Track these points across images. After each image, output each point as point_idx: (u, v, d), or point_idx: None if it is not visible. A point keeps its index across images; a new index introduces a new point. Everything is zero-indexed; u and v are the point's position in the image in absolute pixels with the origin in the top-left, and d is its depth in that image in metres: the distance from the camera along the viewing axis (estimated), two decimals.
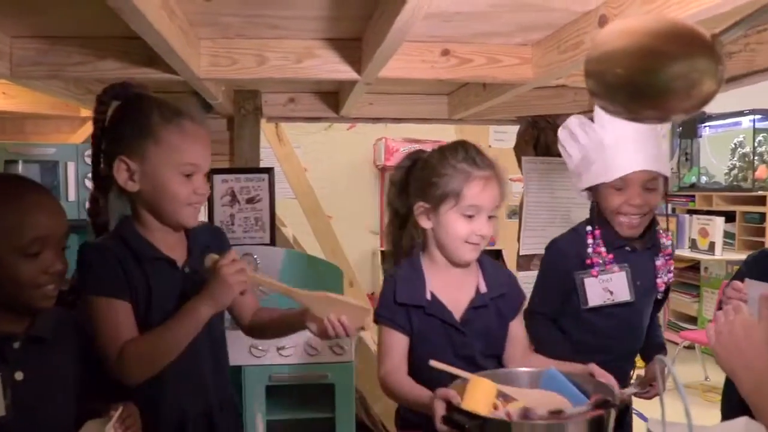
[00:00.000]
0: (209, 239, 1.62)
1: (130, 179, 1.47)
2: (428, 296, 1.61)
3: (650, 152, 1.85)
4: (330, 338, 1.54)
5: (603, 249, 1.90)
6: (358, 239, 5.96)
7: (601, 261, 1.90)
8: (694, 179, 6.04)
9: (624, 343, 1.97)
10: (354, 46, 1.87)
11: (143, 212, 1.51)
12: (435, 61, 1.90)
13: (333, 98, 2.94)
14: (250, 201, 2.92)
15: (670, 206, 6.15)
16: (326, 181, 5.65)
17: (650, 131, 1.86)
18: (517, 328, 1.70)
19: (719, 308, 1.81)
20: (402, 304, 1.59)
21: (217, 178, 2.88)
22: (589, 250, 1.90)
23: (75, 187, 2.31)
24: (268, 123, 3.37)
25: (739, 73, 1.90)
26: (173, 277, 1.53)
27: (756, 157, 5.47)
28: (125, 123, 1.49)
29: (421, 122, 3.18)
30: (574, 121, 1.95)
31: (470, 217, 1.57)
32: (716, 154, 5.91)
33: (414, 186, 1.66)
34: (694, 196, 5.97)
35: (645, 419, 1.45)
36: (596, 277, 1.89)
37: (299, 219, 4.00)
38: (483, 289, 1.65)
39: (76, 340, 1.42)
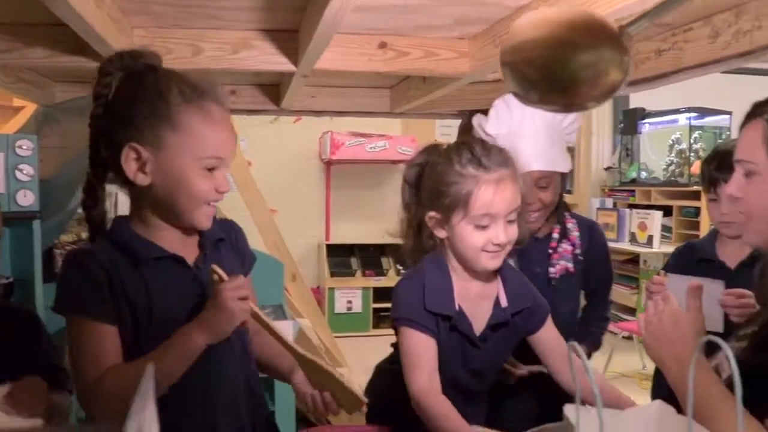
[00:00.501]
0: (222, 231, 1.41)
1: (141, 171, 1.22)
2: (456, 307, 1.49)
3: (544, 149, 1.83)
4: (308, 409, 1.41)
5: None
6: (304, 233, 5.94)
7: None
8: (634, 174, 6.18)
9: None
10: (291, 37, 1.86)
11: (147, 209, 1.28)
12: (372, 54, 1.90)
13: (274, 91, 2.91)
14: None
15: (611, 201, 6.31)
16: (272, 174, 5.61)
17: (544, 129, 1.84)
18: (551, 338, 1.57)
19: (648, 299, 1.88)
20: (431, 312, 1.46)
21: None
22: None
23: (4, 179, 2.23)
24: None
25: (668, 71, 1.95)
26: (183, 277, 1.30)
27: (692, 154, 5.63)
28: (136, 102, 1.23)
29: (364, 116, 3.19)
30: (475, 121, 1.94)
31: (484, 227, 1.43)
32: (655, 151, 6.06)
33: (423, 194, 1.53)
34: (634, 191, 6.12)
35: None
36: None
37: (242, 212, 3.96)
38: (504, 303, 1.53)
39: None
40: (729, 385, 1.07)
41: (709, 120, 5.69)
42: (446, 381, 1.43)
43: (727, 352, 0.72)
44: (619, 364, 4.58)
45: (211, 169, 1.23)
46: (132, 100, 1.23)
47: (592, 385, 0.74)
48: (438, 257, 1.52)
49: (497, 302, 1.53)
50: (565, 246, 1.95)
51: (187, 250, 1.32)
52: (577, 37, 0.88)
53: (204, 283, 1.30)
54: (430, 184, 1.49)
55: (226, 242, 1.41)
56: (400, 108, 2.88)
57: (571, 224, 1.99)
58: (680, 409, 0.98)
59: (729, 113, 5.58)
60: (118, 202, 5.51)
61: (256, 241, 3.85)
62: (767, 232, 1.14)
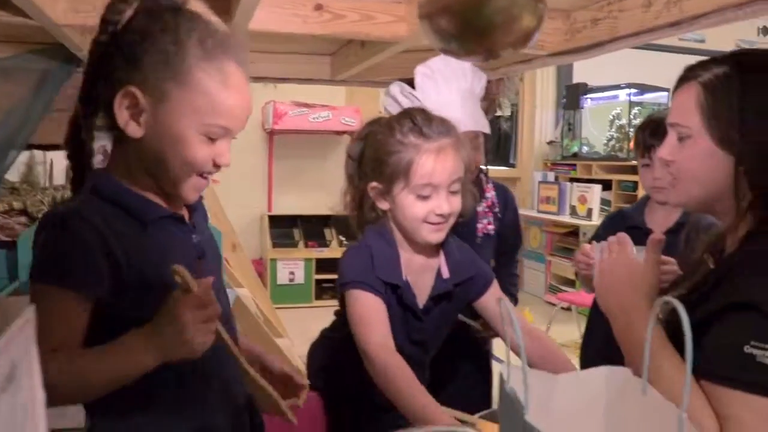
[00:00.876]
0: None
1: (134, 120, 1.05)
2: (404, 277, 1.47)
3: (470, 112, 1.83)
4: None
5: None
6: (246, 204, 5.86)
7: None
8: (576, 149, 6.28)
9: None
10: None
11: (135, 164, 1.10)
12: (307, 16, 1.86)
13: None
14: None
15: (553, 174, 6.40)
16: None
17: (467, 93, 1.86)
18: (492, 305, 1.55)
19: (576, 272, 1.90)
20: (381, 280, 1.43)
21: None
22: None
23: None
24: None
25: (603, 39, 1.97)
26: (184, 237, 1.17)
27: (631, 129, 5.74)
28: (147, 40, 1.04)
29: (305, 83, 3.14)
30: (395, 89, 1.89)
31: (426, 197, 1.41)
32: (596, 126, 6.16)
33: (366, 164, 1.49)
34: (575, 165, 6.21)
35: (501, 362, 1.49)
36: None
37: None
38: (445, 274, 1.52)
39: None
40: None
41: (648, 96, 5.81)
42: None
43: (682, 314, 0.73)
44: (558, 334, 4.68)
45: (213, 139, 1.08)
46: (143, 37, 1.05)
47: (516, 337, 0.74)
48: (381, 229, 1.49)
49: (439, 273, 1.51)
50: (484, 207, 1.98)
51: (178, 207, 1.18)
52: None
53: (201, 244, 1.18)
54: (371, 154, 1.46)
55: (199, 211, 1.26)
56: (341, 75, 2.84)
57: (488, 186, 2.02)
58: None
59: (667, 90, 5.70)
60: (54, 171, 5.31)
61: None
62: (692, 193, 1.14)
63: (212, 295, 1.01)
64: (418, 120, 1.41)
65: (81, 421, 2.30)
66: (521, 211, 6.90)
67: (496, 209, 2.01)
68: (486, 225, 1.97)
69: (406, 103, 1.80)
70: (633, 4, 1.82)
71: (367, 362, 1.36)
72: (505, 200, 2.06)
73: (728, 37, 6.72)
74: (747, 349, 0.96)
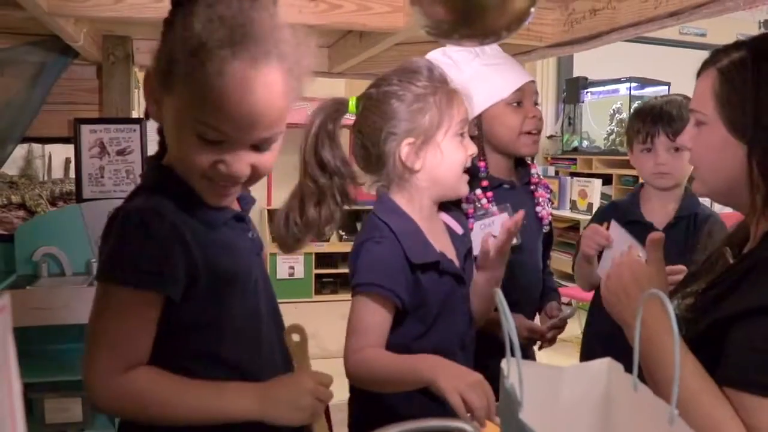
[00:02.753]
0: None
1: (156, 103, 0.99)
2: (437, 249, 1.35)
3: (511, 68, 1.72)
4: None
5: (479, 191, 1.68)
6: None
7: (478, 205, 1.68)
8: (576, 143, 6.26)
9: (523, 292, 1.76)
10: None
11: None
12: (303, 6, 1.84)
13: None
14: (120, 153, 2.79)
15: (554, 169, 6.38)
16: None
17: (499, 55, 1.71)
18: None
19: (577, 252, 1.85)
20: (417, 265, 1.30)
21: (85, 128, 2.75)
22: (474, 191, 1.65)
23: None
24: (142, 72, 3.22)
25: (601, 30, 1.95)
26: (245, 233, 1.13)
27: None
28: (166, 28, 0.97)
29: None
30: (453, 51, 1.67)
31: (461, 135, 1.35)
32: (596, 120, 6.14)
33: (389, 124, 1.32)
34: (576, 159, 6.19)
35: None
36: (472, 222, 1.66)
37: None
38: (458, 230, 1.44)
39: None
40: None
41: (649, 90, 5.78)
42: (455, 342, 1.34)
43: (669, 310, 0.71)
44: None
45: (211, 141, 0.96)
46: (166, 22, 0.97)
47: (511, 333, 0.72)
48: (392, 206, 1.36)
49: (452, 232, 1.44)
50: (542, 191, 1.84)
51: (231, 202, 1.11)
52: None
53: (257, 239, 1.14)
54: (399, 109, 1.32)
55: (249, 202, 1.21)
56: (339, 67, 2.83)
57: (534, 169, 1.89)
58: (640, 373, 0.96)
59: (667, 84, 5.68)
60: (52, 164, 5.27)
61: None
62: (709, 182, 1.11)
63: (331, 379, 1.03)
64: (427, 66, 1.33)
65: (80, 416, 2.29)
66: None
67: (549, 196, 1.85)
68: (548, 212, 1.83)
69: (466, 65, 1.65)
70: None
71: (348, 374, 1.27)
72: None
73: (729, 30, 6.69)
74: None
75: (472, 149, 1.37)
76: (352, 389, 1.43)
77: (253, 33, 0.93)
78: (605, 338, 1.77)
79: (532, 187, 1.81)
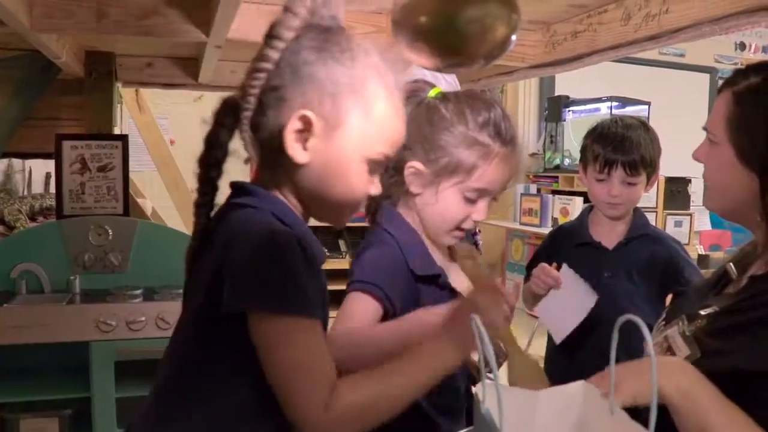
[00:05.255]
0: None
1: (301, 144, 0.96)
2: (438, 262, 1.31)
3: None
4: None
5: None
6: None
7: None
8: (558, 161, 6.30)
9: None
10: (201, 5, 1.80)
11: (288, 188, 1.02)
12: None
13: (192, 64, 2.83)
14: (101, 169, 2.77)
15: (536, 186, 6.42)
16: (196, 153, 5.46)
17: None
18: None
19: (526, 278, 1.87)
20: (420, 276, 1.27)
21: (67, 144, 2.73)
22: None
23: None
24: (125, 88, 3.21)
25: (582, 52, 1.98)
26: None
27: None
28: (322, 62, 0.95)
29: None
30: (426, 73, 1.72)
31: (472, 200, 1.26)
32: (578, 138, 6.18)
33: (414, 139, 1.23)
34: (557, 177, 6.23)
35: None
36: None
37: (164, 192, 3.85)
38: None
39: None
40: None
41: (629, 110, 5.84)
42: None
43: (647, 338, 0.71)
44: (540, 346, 4.66)
45: (374, 170, 1.01)
46: (320, 55, 0.95)
47: (489, 358, 0.72)
48: (394, 217, 1.32)
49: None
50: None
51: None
52: None
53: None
54: (424, 131, 1.25)
55: None
56: None
57: None
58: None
59: (648, 103, 5.76)
60: (32, 179, 5.22)
61: (176, 223, 3.76)
62: (716, 201, 1.12)
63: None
64: (497, 115, 1.24)
65: None
66: (503, 224, 6.85)
67: None
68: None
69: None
70: (612, 17, 1.83)
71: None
72: None
73: (707, 52, 6.80)
74: None
75: (479, 216, 1.29)
76: None
77: (396, 62, 0.99)
78: (568, 358, 1.79)
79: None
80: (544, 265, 1.73)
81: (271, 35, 0.94)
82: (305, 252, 0.93)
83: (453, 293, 1.32)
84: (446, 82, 1.74)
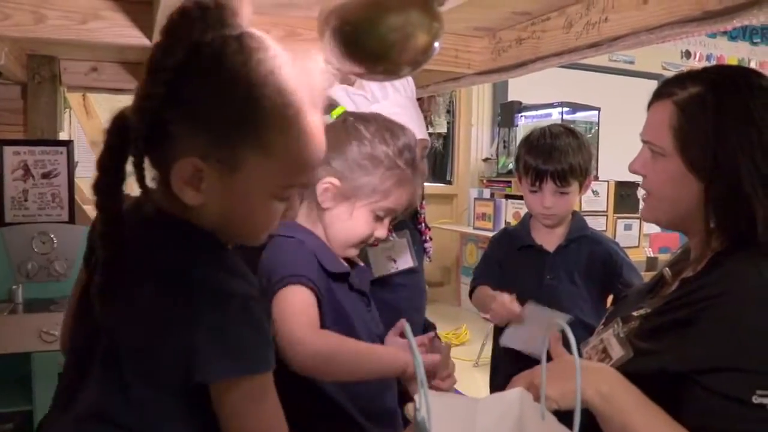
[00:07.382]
0: None
1: (192, 187, 0.85)
2: (345, 264, 1.35)
3: (418, 121, 1.73)
4: None
5: None
6: None
7: None
8: (511, 166, 6.37)
9: (418, 313, 1.80)
10: (145, 9, 1.77)
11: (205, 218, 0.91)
12: None
13: (140, 69, 2.78)
14: (45, 176, 2.71)
15: (489, 191, 6.48)
16: None
17: (409, 101, 1.75)
18: None
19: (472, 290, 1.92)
20: (331, 273, 1.28)
21: (8, 150, 2.66)
22: None
23: None
24: (71, 93, 3.15)
25: (527, 59, 2.00)
26: None
27: None
28: (212, 97, 0.82)
29: None
30: (340, 92, 1.67)
31: (381, 218, 1.31)
32: None
33: (332, 155, 1.24)
34: (510, 182, 6.29)
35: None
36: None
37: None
38: (360, 262, 1.43)
39: None
40: (619, 368, 1.04)
41: (580, 115, 5.95)
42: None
43: (572, 342, 0.72)
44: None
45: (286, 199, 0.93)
46: (208, 89, 0.82)
47: (417, 367, 0.72)
48: (287, 228, 1.30)
49: (355, 263, 1.42)
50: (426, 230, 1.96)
51: None
52: (386, 0, 0.87)
53: None
54: (350, 153, 1.26)
55: None
56: None
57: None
58: None
59: (598, 109, 5.86)
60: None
61: None
62: (661, 210, 1.13)
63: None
64: (410, 140, 1.30)
65: None
66: (457, 228, 6.87)
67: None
68: (429, 247, 1.95)
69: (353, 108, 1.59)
70: (555, 25, 1.86)
71: (294, 352, 1.16)
72: None
73: (655, 59, 6.97)
74: (755, 399, 0.91)
75: (382, 233, 1.33)
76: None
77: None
78: (513, 365, 1.81)
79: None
80: (505, 301, 1.76)
81: (153, 68, 0.80)
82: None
83: (362, 295, 1.37)
84: (393, 89, 1.74)
